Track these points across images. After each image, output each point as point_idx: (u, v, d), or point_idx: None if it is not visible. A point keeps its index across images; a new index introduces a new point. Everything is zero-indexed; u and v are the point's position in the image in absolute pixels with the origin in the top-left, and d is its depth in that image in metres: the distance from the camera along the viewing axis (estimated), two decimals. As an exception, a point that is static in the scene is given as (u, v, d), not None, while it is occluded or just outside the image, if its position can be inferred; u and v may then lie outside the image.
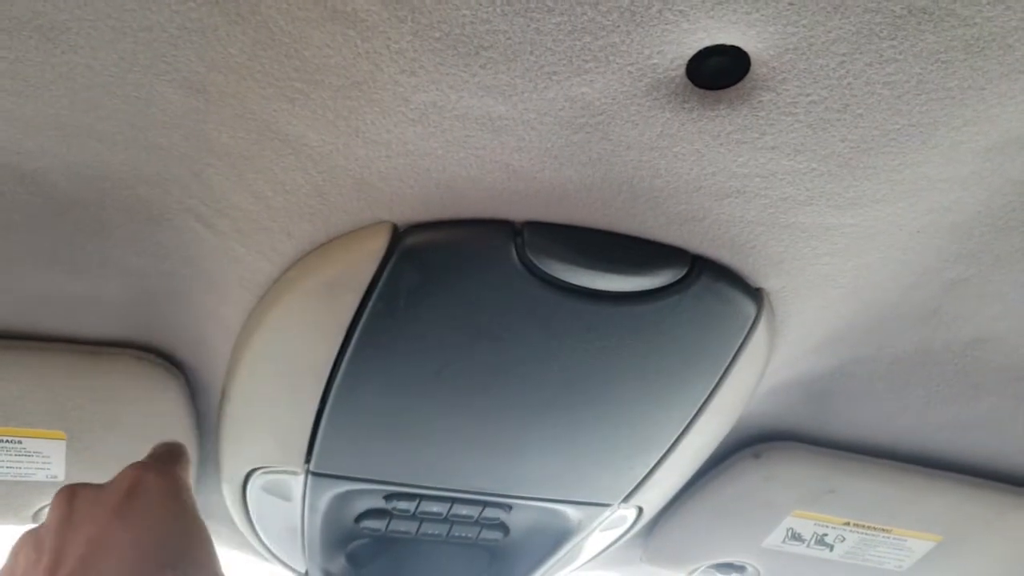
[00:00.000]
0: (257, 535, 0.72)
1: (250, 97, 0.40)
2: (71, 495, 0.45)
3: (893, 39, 0.34)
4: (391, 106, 0.39)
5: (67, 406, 0.58)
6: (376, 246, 0.46)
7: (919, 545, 0.76)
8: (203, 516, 0.71)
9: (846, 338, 0.60)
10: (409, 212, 0.45)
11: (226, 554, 0.83)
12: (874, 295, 0.55)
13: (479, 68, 0.36)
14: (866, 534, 0.74)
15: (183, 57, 0.39)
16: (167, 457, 0.51)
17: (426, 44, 0.35)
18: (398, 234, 0.46)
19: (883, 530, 0.74)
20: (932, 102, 0.38)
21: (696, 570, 0.80)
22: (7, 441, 0.58)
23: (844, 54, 0.35)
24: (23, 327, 0.56)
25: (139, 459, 0.61)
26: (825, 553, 0.76)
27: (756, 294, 0.51)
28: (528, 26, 0.34)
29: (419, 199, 0.44)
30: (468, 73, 0.36)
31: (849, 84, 0.36)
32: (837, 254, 0.49)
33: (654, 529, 0.77)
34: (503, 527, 0.70)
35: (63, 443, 0.60)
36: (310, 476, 0.61)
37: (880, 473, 0.71)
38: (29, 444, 0.59)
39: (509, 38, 0.35)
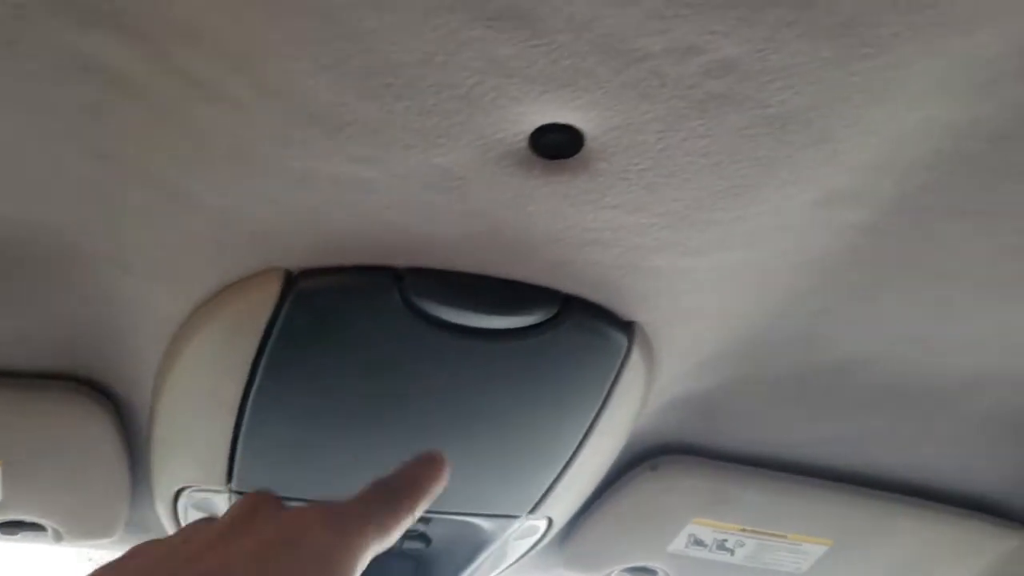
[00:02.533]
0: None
1: (151, 162, 0.45)
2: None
3: (701, 119, 0.39)
4: (273, 171, 0.43)
5: (1, 434, 0.63)
6: (271, 290, 0.50)
7: (813, 549, 0.81)
8: (139, 531, 0.75)
9: (723, 362, 0.65)
10: (301, 259, 0.50)
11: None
12: (742, 324, 0.61)
13: (344, 140, 0.41)
14: (762, 540, 0.80)
15: (86, 129, 0.43)
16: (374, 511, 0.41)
17: (295, 121, 0.40)
18: (291, 279, 0.50)
19: (778, 536, 0.80)
20: (748, 168, 0.43)
21: (610, 574, 0.85)
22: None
23: (661, 131, 0.40)
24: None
25: (75, 482, 0.65)
26: (727, 557, 0.81)
27: (628, 327, 0.56)
28: (382, 108, 0.39)
29: (308, 248, 0.49)
30: (335, 145, 0.41)
31: (670, 155, 0.42)
32: (699, 291, 0.54)
33: (568, 537, 0.82)
34: (424, 537, 0.75)
35: (-1, 468, 0.64)
36: (232, 494, 0.65)
37: (770, 483, 0.76)
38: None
39: (367, 118, 0.40)
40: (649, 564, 0.84)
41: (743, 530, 0.79)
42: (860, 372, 0.68)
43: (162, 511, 0.72)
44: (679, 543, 0.80)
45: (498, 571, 0.84)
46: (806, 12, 0.34)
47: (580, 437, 0.62)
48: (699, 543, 0.80)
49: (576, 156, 0.42)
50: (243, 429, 0.59)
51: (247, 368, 0.54)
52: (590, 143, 0.41)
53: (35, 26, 0.38)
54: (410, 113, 0.39)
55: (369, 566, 0.77)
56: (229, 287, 0.53)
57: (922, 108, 0.41)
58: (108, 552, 0.79)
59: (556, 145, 0.41)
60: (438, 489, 0.44)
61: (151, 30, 0.37)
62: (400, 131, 0.40)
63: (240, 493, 0.65)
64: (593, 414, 0.61)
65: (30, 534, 0.73)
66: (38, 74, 0.40)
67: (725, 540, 0.80)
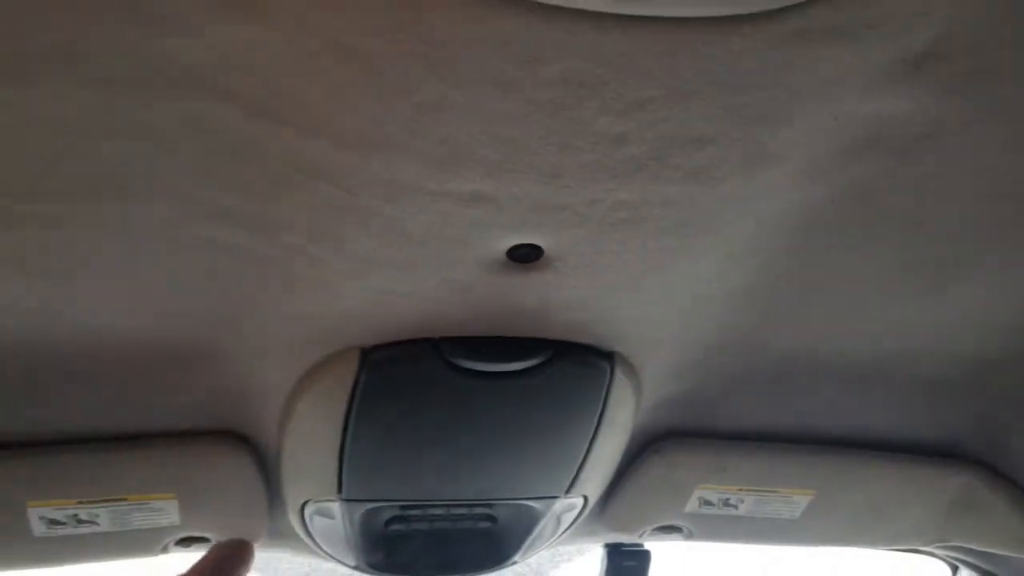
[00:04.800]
0: (317, 543, 1.01)
1: (271, 293, 0.68)
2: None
3: (616, 233, 0.60)
4: (352, 291, 0.66)
5: (175, 476, 0.87)
6: (353, 363, 0.73)
7: (800, 499, 1.01)
8: (278, 535, 1.00)
9: (695, 365, 0.86)
10: (370, 339, 0.72)
11: (300, 559, 1.13)
12: (701, 337, 0.81)
13: (396, 270, 0.63)
14: (759, 495, 1.00)
15: (219, 273, 0.66)
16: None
17: (372, 264, 0.62)
18: (365, 353, 0.73)
19: (770, 491, 1.00)
20: (666, 248, 0.63)
21: (643, 532, 1.06)
22: (141, 504, 0.87)
23: (591, 240, 0.61)
24: (137, 429, 0.85)
25: (229, 504, 0.90)
26: (733, 512, 1.02)
27: (609, 356, 0.77)
28: (411, 252, 0.61)
29: (375, 331, 0.71)
30: (395, 272, 0.63)
31: (602, 251, 0.62)
32: (661, 321, 0.75)
33: (604, 508, 1.04)
34: (491, 518, 0.97)
35: (175, 501, 0.89)
36: (343, 502, 0.89)
37: (757, 451, 0.96)
38: (155, 504, 0.88)
39: (409, 258, 0.62)
40: (673, 523, 1.05)
41: (740, 489, 0.99)
42: (805, 359, 0.87)
43: (293, 519, 0.97)
44: (692, 505, 1.01)
45: (554, 538, 1.07)
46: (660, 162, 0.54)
47: (589, 437, 0.84)
48: (708, 503, 1.01)
49: (539, 260, 0.63)
50: (345, 455, 0.82)
51: (343, 415, 0.77)
52: (547, 251, 0.62)
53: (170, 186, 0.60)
54: (433, 251, 0.61)
55: (451, 541, 1.00)
56: (323, 362, 0.76)
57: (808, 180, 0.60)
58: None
59: (524, 255, 0.63)
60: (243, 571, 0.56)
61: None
62: (428, 262, 0.62)
63: (349, 500, 0.89)
64: (595, 420, 0.82)
65: (199, 545, 0.98)
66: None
67: (728, 499, 1.00)
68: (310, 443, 0.83)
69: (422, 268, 0.63)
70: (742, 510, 1.02)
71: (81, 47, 0.46)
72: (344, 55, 0.45)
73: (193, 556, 1.01)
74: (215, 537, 0.97)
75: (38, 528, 0.87)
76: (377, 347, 0.73)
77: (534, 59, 0.45)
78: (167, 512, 0.90)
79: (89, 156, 0.54)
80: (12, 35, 0.45)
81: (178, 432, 0.86)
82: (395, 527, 0.96)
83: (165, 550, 0.97)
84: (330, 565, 1.11)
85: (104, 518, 0.88)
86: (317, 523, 0.96)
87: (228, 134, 0.52)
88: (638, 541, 1.19)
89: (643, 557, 1.24)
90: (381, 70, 0.46)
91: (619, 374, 0.79)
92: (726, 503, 1.01)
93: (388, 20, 0.43)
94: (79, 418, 0.81)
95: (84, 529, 0.89)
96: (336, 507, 0.91)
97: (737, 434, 0.97)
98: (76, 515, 0.87)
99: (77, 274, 0.64)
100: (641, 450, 0.97)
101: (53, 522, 0.87)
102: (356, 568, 1.04)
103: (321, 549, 1.03)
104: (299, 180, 0.55)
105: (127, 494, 0.87)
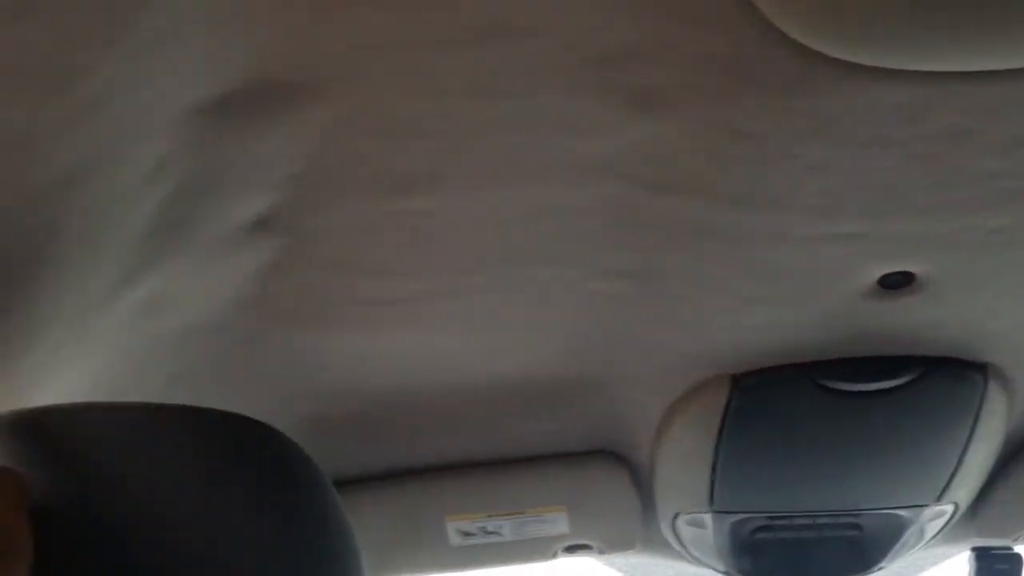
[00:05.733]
0: (687, 550, 1.09)
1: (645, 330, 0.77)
2: None
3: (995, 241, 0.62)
4: (725, 326, 0.73)
5: (564, 491, 0.99)
6: (723, 390, 0.80)
7: None
8: (650, 544, 1.09)
9: None
10: (741, 366, 0.79)
11: (674, 565, 1.22)
12: None
13: (772, 299, 0.69)
14: None
15: None
16: None
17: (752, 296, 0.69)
18: (735, 380, 0.80)
19: None
20: None
21: (1019, 536, 1.04)
22: (537, 516, 1.00)
23: (966, 262, 0.63)
24: (531, 452, 0.97)
25: (605, 514, 1.00)
26: None
27: (983, 367, 0.78)
28: (775, 289, 0.67)
29: (745, 359, 0.78)
30: (776, 299, 0.69)
31: (977, 269, 0.64)
32: None
33: (975, 512, 1.02)
34: (857, 527, 1.00)
35: (565, 513, 1.01)
36: (714, 513, 0.96)
37: None
38: (547, 516, 1.01)
39: (767, 295, 0.67)
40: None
41: None
42: None
43: (665, 529, 1.05)
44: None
45: (920, 544, 1.07)
46: None
47: (962, 447, 0.84)
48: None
49: (911, 285, 0.66)
50: (717, 471, 0.89)
51: (714, 435, 0.84)
52: (920, 277, 0.65)
53: None
54: (807, 286, 0.66)
55: (817, 546, 1.04)
56: (694, 388, 0.83)
57: None
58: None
59: (896, 282, 0.66)
60: None
61: None
62: (801, 296, 0.67)
63: (720, 512, 0.95)
64: (968, 430, 0.82)
65: (583, 551, 1.09)
66: None
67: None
68: (682, 461, 0.91)
69: (795, 301, 0.68)
70: None
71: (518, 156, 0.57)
72: (739, 136, 0.52)
73: (579, 561, 1.13)
74: (596, 544, 1.08)
75: (454, 539, 1.03)
76: (747, 373, 0.79)
77: (914, 118, 0.49)
78: (557, 523, 1.02)
79: (508, 239, 0.65)
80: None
81: (565, 453, 0.97)
82: (762, 535, 1.01)
83: (555, 556, 1.09)
84: (694, 570, 1.19)
85: (507, 529, 1.02)
86: (687, 532, 1.04)
87: (629, 209, 0.60)
88: (1008, 544, 1.15)
89: (1015, 561, 1.19)
90: (771, 143, 0.52)
91: (992, 384, 0.79)
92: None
93: (783, 104, 0.49)
94: (486, 445, 0.95)
95: (490, 539, 1.03)
96: (707, 518, 0.98)
97: None
98: (484, 527, 1.02)
99: (497, 326, 0.76)
100: (1016, 452, 0.95)
101: (466, 533, 1.02)
102: (725, 573, 1.11)
103: (690, 555, 1.11)
104: (687, 238, 0.63)
105: (525, 508, 1.00)
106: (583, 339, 0.79)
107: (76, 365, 0.60)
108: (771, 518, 0.98)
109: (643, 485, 1.01)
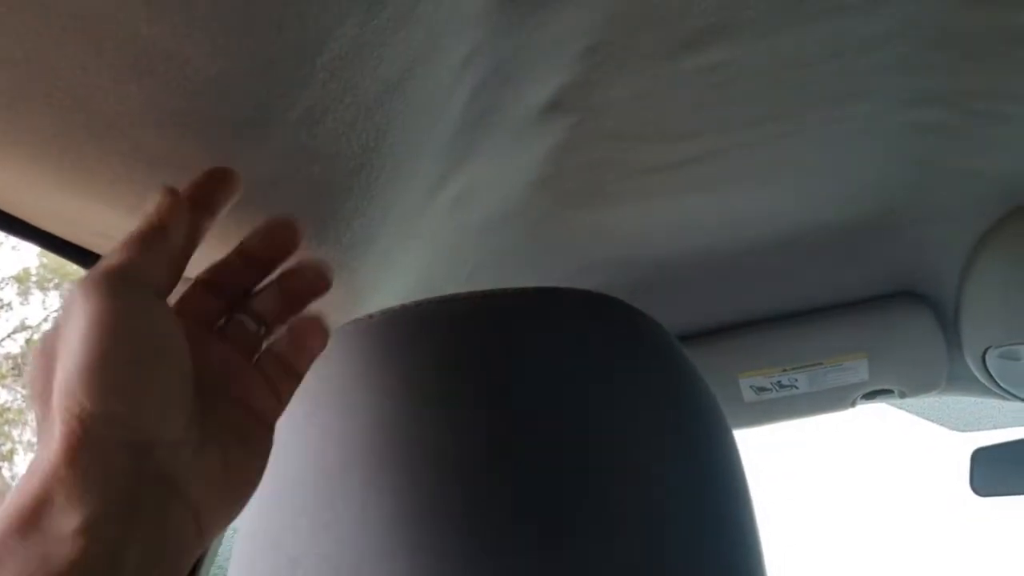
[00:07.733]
0: (998, 384, 1.03)
1: None
2: None
3: None
4: None
5: (864, 337, 0.97)
6: None
7: None
8: (957, 381, 1.05)
9: None
10: None
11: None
12: None
13: None
14: None
15: None
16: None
17: None
18: None
19: None
20: None
21: None
22: (836, 366, 0.99)
23: None
24: (829, 301, 0.95)
25: (909, 355, 0.97)
26: None
27: None
28: None
29: None
30: None
31: None
32: None
33: None
34: None
35: (866, 360, 0.98)
36: None
37: None
38: (846, 364, 0.99)
39: None
40: None
41: None
42: None
43: (973, 365, 1.00)
44: None
45: None
46: None
47: None
48: None
49: None
50: None
51: None
52: None
53: None
54: None
55: None
56: (1005, 216, 0.77)
57: None
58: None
59: None
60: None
61: None
62: None
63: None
64: None
65: (882, 397, 1.07)
66: None
67: None
68: (995, 292, 0.86)
69: None
70: None
71: None
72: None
73: (877, 407, 1.10)
74: (898, 388, 1.05)
75: (748, 395, 1.03)
76: None
77: None
78: (857, 370, 1.00)
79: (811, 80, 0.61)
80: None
81: (864, 299, 0.94)
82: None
83: (853, 404, 1.07)
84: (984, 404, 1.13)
85: (803, 381, 1.01)
86: (998, 365, 0.98)
87: (936, 28, 0.55)
88: None
89: None
90: None
91: None
92: None
93: None
94: (779, 299, 0.94)
95: (785, 393, 1.03)
96: (1022, 349, 0.93)
97: None
98: (779, 381, 1.01)
99: (797, 173, 0.74)
100: None
101: (760, 389, 1.02)
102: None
103: (1001, 389, 1.05)
104: (1006, 47, 0.57)
105: (823, 358, 0.98)
106: (891, 176, 0.75)
107: (401, 266, 0.64)
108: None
109: (947, 322, 0.97)
